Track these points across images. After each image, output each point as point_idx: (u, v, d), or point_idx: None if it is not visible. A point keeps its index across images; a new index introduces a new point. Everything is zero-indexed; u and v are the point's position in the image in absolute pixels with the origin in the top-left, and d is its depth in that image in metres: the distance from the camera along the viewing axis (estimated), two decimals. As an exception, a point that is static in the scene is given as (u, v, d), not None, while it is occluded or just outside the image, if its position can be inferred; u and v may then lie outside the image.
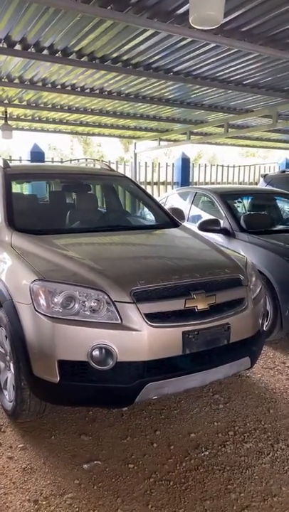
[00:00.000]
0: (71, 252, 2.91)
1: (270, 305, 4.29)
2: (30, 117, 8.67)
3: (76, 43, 4.38)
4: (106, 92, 6.45)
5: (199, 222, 5.36)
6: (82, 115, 8.34)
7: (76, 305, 2.46)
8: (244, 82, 5.98)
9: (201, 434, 2.85)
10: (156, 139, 10.55)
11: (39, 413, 2.81)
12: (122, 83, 6.00)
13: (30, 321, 2.50)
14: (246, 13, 3.65)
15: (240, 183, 12.34)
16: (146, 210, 4.49)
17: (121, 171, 10.84)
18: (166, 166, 11.33)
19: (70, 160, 9.31)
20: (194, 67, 5.25)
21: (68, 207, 4.12)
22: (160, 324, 2.47)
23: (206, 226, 5.16)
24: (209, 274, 2.79)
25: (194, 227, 5.36)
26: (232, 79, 5.80)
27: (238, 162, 12.85)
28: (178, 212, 4.42)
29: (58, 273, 2.63)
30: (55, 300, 2.46)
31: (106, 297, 2.46)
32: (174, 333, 2.49)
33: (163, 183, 11.28)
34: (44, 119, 8.77)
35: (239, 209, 6.11)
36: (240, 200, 6.28)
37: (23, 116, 8.58)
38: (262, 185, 8.19)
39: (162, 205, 6.65)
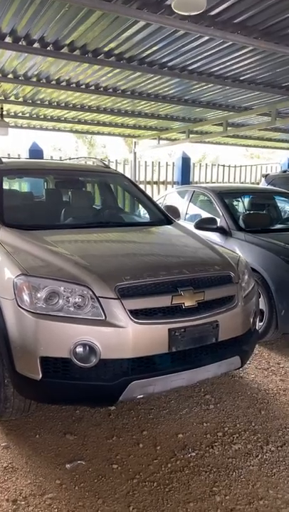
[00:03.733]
0: (59, 247, 2.85)
1: (266, 304, 4.22)
2: (27, 115, 8.62)
3: (67, 36, 4.29)
4: (102, 88, 6.38)
5: (196, 220, 5.31)
6: (80, 112, 8.27)
7: (60, 301, 2.41)
8: (241, 78, 5.89)
9: (189, 434, 2.78)
10: (155, 138, 10.48)
11: (24, 411, 2.75)
12: (116, 78, 5.92)
13: (12, 317, 2.45)
14: (239, 3, 3.56)
15: (242, 183, 12.25)
16: (140, 207, 4.44)
17: (121, 170, 10.80)
18: (167, 165, 11.26)
19: (70, 158, 9.27)
20: (189, 62, 5.16)
21: (61, 203, 4.07)
22: (145, 321, 2.40)
23: (203, 224, 5.10)
24: (198, 271, 2.73)
25: (191, 225, 5.34)
26: (228, 74, 5.71)
27: (241, 163, 12.72)
28: (173, 210, 4.36)
29: (43, 268, 2.58)
30: (39, 295, 2.40)
31: (90, 293, 2.41)
32: (159, 330, 2.42)
33: (163, 183, 11.21)
34: (42, 116, 8.72)
35: (237, 208, 6.05)
36: (238, 198, 6.20)
37: (20, 114, 8.54)
38: (263, 185, 8.12)
39: (160, 203, 6.67)
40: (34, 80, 6.02)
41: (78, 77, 5.91)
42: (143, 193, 4.40)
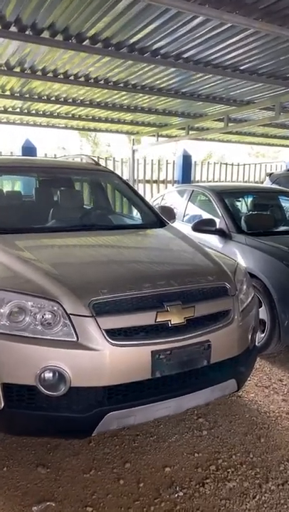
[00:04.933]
0: (31, 254, 2.53)
1: (268, 314, 3.87)
2: (18, 110, 8.26)
3: (45, 18, 3.93)
4: (92, 80, 5.98)
5: (194, 222, 4.97)
6: (73, 107, 7.89)
7: (27, 318, 2.08)
8: (241, 68, 5.46)
9: (177, 468, 2.45)
10: (154, 135, 10.12)
11: (-9, 440, 2.43)
12: (107, 68, 5.55)
13: (-28, 336, 2.11)
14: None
15: (246, 182, 11.87)
16: (133, 208, 4.10)
17: (120, 168, 10.46)
18: (167, 163, 10.89)
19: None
20: (183, 49, 4.77)
21: (43, 203, 3.74)
22: (124, 342, 2.07)
23: (201, 226, 4.77)
24: (188, 282, 2.38)
25: (189, 227, 5.00)
26: (227, 63, 5.28)
27: (247, 162, 12.30)
28: (167, 211, 4.02)
29: (8, 280, 2.26)
30: (1, 311, 2.07)
31: (61, 309, 2.07)
32: (141, 353, 2.09)
33: (163, 182, 10.83)
34: (33, 111, 8.37)
35: (238, 209, 5.70)
36: (239, 199, 5.85)
37: (10, 109, 8.19)
38: (267, 183, 7.76)
39: (158, 203, 6.33)
40: (18, 70, 5.66)
41: (65, 67, 5.51)
42: (135, 192, 4.06)
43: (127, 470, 2.42)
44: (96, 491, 2.25)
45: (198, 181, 11.09)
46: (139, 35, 4.32)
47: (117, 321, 2.09)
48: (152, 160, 10.99)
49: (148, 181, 10.73)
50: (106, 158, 10.67)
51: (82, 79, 5.97)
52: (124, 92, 6.68)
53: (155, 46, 4.65)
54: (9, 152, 8.74)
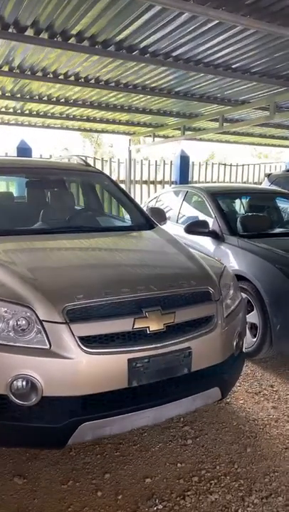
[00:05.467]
0: (9, 258, 2.45)
1: (259, 318, 3.79)
2: (11, 110, 8.20)
3: (26, 16, 3.86)
4: (82, 79, 5.89)
5: (186, 224, 4.89)
6: (66, 107, 7.80)
7: (0, 324, 2.00)
8: (233, 66, 5.36)
9: (158, 479, 2.36)
10: (150, 135, 10.03)
11: None
12: (96, 67, 5.46)
13: None
14: None
15: (245, 183, 11.77)
16: (122, 209, 4.03)
17: (115, 169, 10.37)
18: (164, 164, 10.80)
19: (61, 156, 8.85)
20: (172, 47, 4.67)
21: (31, 205, 3.66)
22: (99, 350, 1.99)
23: (193, 228, 4.69)
24: (169, 287, 2.30)
25: (182, 229, 4.92)
26: (219, 62, 5.16)
27: (249, 163, 12.16)
28: (158, 213, 3.93)
29: (-18, 284, 2.17)
30: (-28, 318, 2.00)
31: (34, 315, 2.00)
32: (116, 361, 2.01)
33: (160, 182, 10.74)
34: (27, 111, 8.28)
35: (233, 210, 5.61)
36: (233, 200, 5.77)
37: (3, 109, 8.11)
38: (266, 184, 7.67)
39: (152, 205, 6.25)
40: (5, 69, 5.59)
41: (53, 66, 5.42)
42: (125, 193, 3.98)
43: (106, 481, 2.34)
44: (72, 503, 2.17)
45: (196, 182, 11.00)
46: (126, 32, 4.23)
47: (92, 328, 2.01)
48: (149, 160, 10.90)
49: (145, 182, 10.63)
50: (102, 158, 10.59)
51: (72, 78, 5.89)
52: (116, 92, 6.58)
53: (143, 44, 4.56)
54: (3, 153, 8.68)
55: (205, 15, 3.38)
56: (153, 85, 6.35)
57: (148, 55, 4.85)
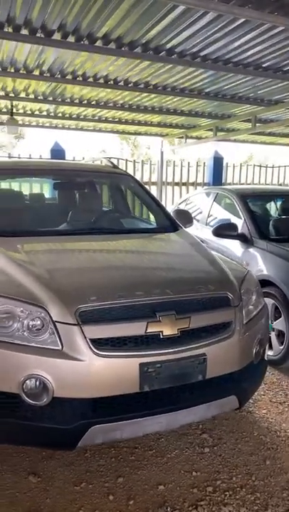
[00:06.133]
0: (29, 258, 2.49)
1: (287, 325, 3.66)
2: (45, 113, 8.37)
3: (55, 20, 3.92)
4: (111, 82, 5.92)
5: (214, 227, 4.81)
6: (98, 109, 7.88)
7: (15, 324, 2.03)
8: (264, 65, 5.19)
9: (172, 486, 2.32)
10: (182, 137, 9.95)
11: (-17, 445, 2.40)
12: (124, 69, 5.47)
13: None
14: None
15: (280, 185, 11.43)
16: (147, 211, 4.01)
17: (146, 170, 10.36)
18: (197, 165, 10.68)
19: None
20: (199, 47, 4.59)
21: (54, 206, 3.72)
22: (110, 353, 1.98)
23: (221, 231, 4.61)
24: (185, 291, 2.26)
25: (210, 231, 4.84)
26: (248, 61, 5.02)
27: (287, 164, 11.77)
28: (184, 215, 3.88)
29: (1, 284, 2.22)
30: (-11, 316, 2.04)
31: (48, 316, 2.01)
32: (128, 365, 1.99)
33: (193, 184, 10.63)
34: (60, 114, 8.44)
35: (264, 213, 5.46)
36: (265, 202, 5.61)
37: (37, 112, 8.32)
38: None
39: (182, 207, 6.19)
40: (48, 74, 5.71)
41: (81, 69, 5.49)
42: (150, 195, 3.96)
43: (119, 485, 2.32)
44: (84, 505, 2.17)
45: (229, 184, 10.81)
46: (152, 33, 4.19)
47: (104, 331, 2.00)
48: (182, 162, 10.82)
49: (177, 184, 10.55)
50: (134, 160, 10.61)
51: (101, 80, 5.94)
52: (145, 94, 6.57)
53: (169, 45, 4.51)
54: (38, 155, 8.91)
55: (230, 13, 3.30)
56: (183, 86, 6.28)
57: (175, 55, 4.80)
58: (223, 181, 10.85)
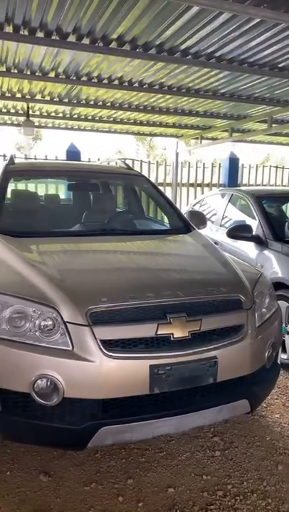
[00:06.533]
0: (42, 259, 2.52)
1: (302, 329, 3.60)
2: (61, 114, 8.44)
3: (70, 22, 3.92)
4: (126, 83, 5.92)
5: (228, 228, 4.77)
6: (113, 111, 7.90)
7: (27, 324, 2.05)
8: (280, 66, 5.11)
9: (182, 489, 2.31)
10: (197, 138, 9.90)
11: (-5, 442, 2.43)
12: (139, 70, 5.47)
13: (-26, 339, 2.13)
14: None
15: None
16: (160, 212, 4.01)
17: (161, 171, 10.34)
18: (212, 166, 10.62)
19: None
20: (214, 47, 4.53)
21: (71, 207, 3.75)
22: (120, 355, 1.98)
23: (236, 233, 4.57)
24: (197, 293, 2.24)
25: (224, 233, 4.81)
26: (264, 61, 4.95)
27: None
28: (197, 217, 3.86)
29: (14, 284, 2.25)
30: (2, 316, 2.07)
31: (59, 317, 2.02)
32: (138, 366, 1.99)
33: (208, 185, 10.56)
34: (75, 115, 8.50)
35: (281, 215, 5.39)
36: (281, 204, 5.54)
37: (53, 114, 8.38)
38: None
39: (196, 208, 6.17)
40: (63, 76, 5.77)
41: (96, 71, 5.51)
42: (164, 196, 3.96)
43: (128, 486, 2.32)
44: (93, 506, 2.17)
45: (245, 185, 10.72)
46: (167, 34, 4.17)
47: (115, 332, 2.00)
48: (197, 163, 10.78)
49: (192, 185, 10.51)
50: (149, 161, 10.61)
51: (116, 82, 5.96)
52: (160, 95, 6.55)
53: (184, 46, 4.49)
54: (54, 156, 8.99)
55: (245, 13, 3.27)
56: (198, 87, 6.26)
57: (190, 56, 4.78)
58: (238, 182, 10.76)
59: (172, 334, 2.05)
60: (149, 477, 2.40)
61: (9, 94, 7.08)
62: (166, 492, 2.29)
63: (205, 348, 2.10)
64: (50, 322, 2.04)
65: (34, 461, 2.51)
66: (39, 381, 1.96)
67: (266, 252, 4.31)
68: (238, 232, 4.55)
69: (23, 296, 2.10)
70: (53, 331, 2.03)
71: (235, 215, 5.45)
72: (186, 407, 2.12)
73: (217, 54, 4.76)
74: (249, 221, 4.85)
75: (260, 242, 4.44)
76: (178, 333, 2.06)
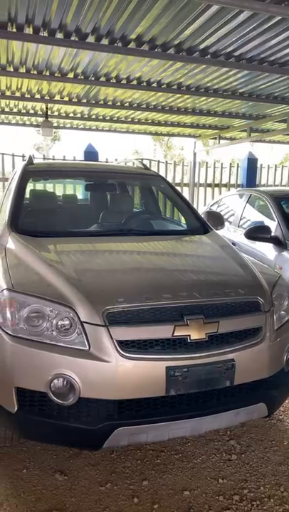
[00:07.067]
0: (60, 258, 2.52)
1: None
2: (79, 115, 8.50)
3: (89, 23, 3.93)
4: (144, 83, 5.92)
5: (246, 229, 4.72)
6: (131, 111, 7.93)
7: (44, 323, 2.06)
8: None
9: (197, 493, 2.29)
10: (215, 137, 9.83)
11: (12, 440, 2.45)
12: (157, 70, 5.47)
13: (-8, 337, 2.15)
14: None
15: None
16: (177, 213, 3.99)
17: (179, 171, 10.31)
18: (230, 166, 10.53)
19: (131, 160, 9.03)
20: (234, 47, 4.50)
21: (86, 207, 3.76)
22: (137, 356, 1.97)
23: (254, 234, 4.52)
24: (214, 295, 2.22)
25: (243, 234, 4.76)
26: (284, 60, 4.83)
27: None
28: (215, 217, 3.82)
29: (32, 283, 2.26)
30: (20, 315, 2.08)
31: (76, 316, 2.03)
32: (154, 368, 1.97)
33: (226, 186, 10.48)
34: (93, 116, 8.55)
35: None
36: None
37: (71, 114, 8.45)
38: None
39: (214, 209, 6.12)
40: (82, 77, 5.81)
41: (114, 71, 5.53)
42: (181, 197, 3.93)
43: (144, 488, 2.31)
44: (108, 507, 2.17)
45: (263, 185, 10.59)
46: (186, 33, 4.15)
47: (131, 333, 2.00)
48: (214, 163, 10.70)
49: (210, 185, 10.43)
50: (166, 162, 10.59)
51: (134, 82, 5.97)
52: (179, 95, 6.54)
53: (203, 45, 4.46)
54: (72, 157, 9.06)
55: (265, 11, 3.23)
56: (216, 86, 6.21)
57: (209, 56, 4.74)
58: (257, 183, 10.64)
59: (189, 336, 2.03)
60: (164, 479, 2.38)
61: (29, 95, 7.18)
62: (181, 495, 2.27)
63: (222, 351, 2.08)
64: (67, 322, 2.05)
65: (50, 459, 2.52)
66: (55, 380, 1.96)
67: (285, 253, 4.25)
68: (257, 233, 4.50)
69: (41, 295, 2.11)
70: (70, 331, 2.03)
71: (254, 216, 5.39)
72: (203, 409, 2.09)
73: (236, 53, 4.72)
74: (268, 222, 4.79)
75: (278, 244, 4.38)
76: (195, 335, 2.04)
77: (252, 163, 10.52)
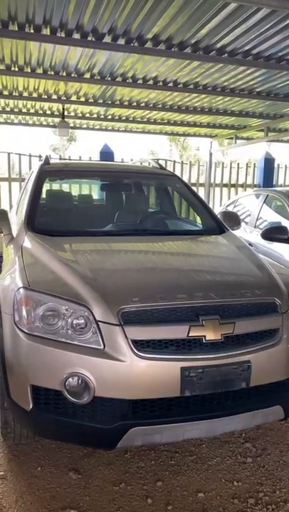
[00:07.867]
0: (75, 258, 2.54)
1: None
2: (95, 115, 8.53)
3: (106, 23, 3.93)
4: (160, 83, 5.90)
5: (263, 230, 4.67)
6: (147, 111, 7.92)
7: (60, 322, 2.07)
8: None
9: (212, 495, 2.26)
10: (232, 137, 9.75)
11: (28, 437, 2.47)
12: (174, 70, 5.44)
13: (8, 335, 2.18)
14: None
15: None
16: (193, 213, 3.97)
17: (194, 171, 10.25)
18: (247, 166, 10.42)
19: (146, 160, 9.05)
20: (251, 45, 4.43)
21: (104, 207, 3.77)
22: (151, 355, 1.96)
23: (271, 234, 4.47)
24: (230, 295, 2.19)
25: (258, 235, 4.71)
26: None
27: None
28: (231, 217, 3.78)
29: (48, 282, 2.27)
30: (36, 313, 2.09)
31: (91, 315, 2.03)
32: (169, 368, 1.96)
33: (242, 186, 10.38)
34: (109, 116, 8.57)
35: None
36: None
37: (87, 115, 8.49)
38: None
39: (231, 209, 6.07)
40: (98, 77, 5.84)
41: (130, 71, 5.53)
42: (197, 197, 3.91)
43: (157, 489, 2.30)
44: (122, 507, 2.17)
45: (281, 185, 10.46)
46: (202, 32, 4.11)
47: (146, 332, 1.99)
48: (231, 163, 10.62)
49: (226, 185, 10.36)
50: (182, 162, 10.55)
51: (150, 82, 5.96)
52: (195, 94, 6.50)
53: (220, 44, 4.42)
54: (88, 157, 9.10)
55: (284, 8, 3.17)
56: (233, 86, 6.16)
57: (226, 54, 4.70)
58: (274, 183, 10.52)
59: (204, 336, 2.02)
60: (178, 480, 2.37)
61: (45, 96, 7.24)
62: (195, 497, 2.25)
63: (238, 352, 2.05)
64: (83, 321, 2.05)
65: (64, 458, 2.53)
66: (70, 379, 1.97)
67: (302, 254, 4.19)
68: (274, 233, 4.44)
69: (57, 294, 2.12)
70: (85, 330, 2.04)
71: (271, 216, 5.34)
72: (218, 411, 2.07)
73: (254, 52, 4.67)
74: (285, 222, 4.73)
75: (295, 244, 4.32)
76: (210, 335, 2.02)
77: (269, 163, 10.41)
